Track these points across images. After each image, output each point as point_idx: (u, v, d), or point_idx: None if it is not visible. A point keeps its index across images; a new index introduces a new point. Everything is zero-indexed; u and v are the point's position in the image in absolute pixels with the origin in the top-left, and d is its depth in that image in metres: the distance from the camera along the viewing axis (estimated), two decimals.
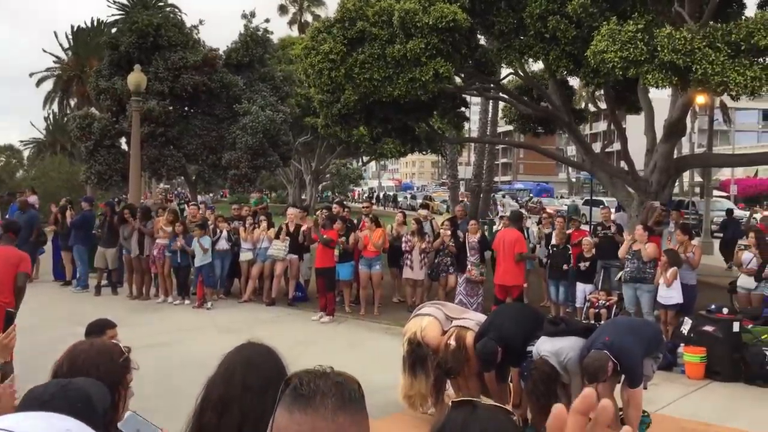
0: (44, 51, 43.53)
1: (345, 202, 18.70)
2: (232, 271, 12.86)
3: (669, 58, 8.77)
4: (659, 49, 8.92)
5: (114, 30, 29.77)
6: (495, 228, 14.77)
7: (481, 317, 6.27)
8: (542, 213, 16.65)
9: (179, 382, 5.82)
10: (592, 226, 12.98)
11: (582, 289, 10.50)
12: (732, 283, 10.49)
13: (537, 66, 15.33)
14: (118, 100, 22.19)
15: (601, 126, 57.00)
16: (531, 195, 55.15)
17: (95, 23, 41.42)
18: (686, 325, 8.47)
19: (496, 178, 40.67)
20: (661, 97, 17.32)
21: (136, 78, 16.54)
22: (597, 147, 19.67)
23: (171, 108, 22.86)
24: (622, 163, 14.71)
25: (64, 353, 2.15)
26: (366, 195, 55.07)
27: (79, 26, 42.55)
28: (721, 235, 18.19)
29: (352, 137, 15.02)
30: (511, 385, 6.00)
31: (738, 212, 28.70)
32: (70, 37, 42.55)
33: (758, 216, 20.09)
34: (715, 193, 31.79)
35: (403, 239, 11.67)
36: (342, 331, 10.39)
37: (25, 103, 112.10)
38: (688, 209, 25.14)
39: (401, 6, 11.22)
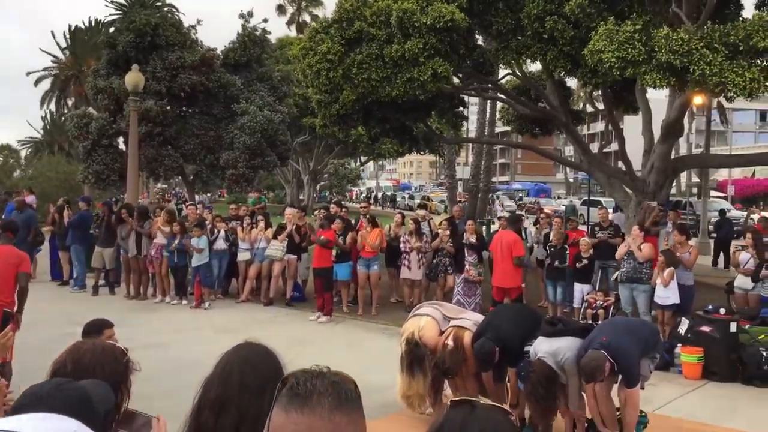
0: (42, 50, 43.53)
1: (343, 202, 18.69)
2: (229, 271, 12.85)
3: (666, 59, 8.78)
4: (656, 49, 8.93)
5: (112, 29, 29.77)
6: (493, 228, 14.80)
7: (479, 317, 6.27)
8: (540, 213, 16.67)
9: (177, 382, 5.81)
10: (589, 227, 12.99)
11: (580, 289, 10.51)
12: (729, 284, 10.51)
13: (535, 66, 15.35)
14: (116, 100, 22.18)
15: (599, 126, 57.06)
16: (527, 193, 55.25)
17: (93, 23, 41.42)
18: (683, 326, 8.48)
19: (494, 179, 40.65)
20: (658, 98, 17.34)
21: (133, 78, 16.53)
22: (595, 147, 19.66)
23: (168, 108, 22.86)
24: (620, 164, 14.73)
25: (64, 353, 2.15)
26: (364, 195, 55.13)
27: (76, 26, 42.59)
28: (715, 235, 18.44)
29: (350, 137, 15.03)
30: (508, 385, 6.00)
31: (735, 213, 28.84)
32: (68, 36, 42.53)
33: (756, 216, 20.13)
34: (713, 193, 31.86)
35: (401, 239, 11.67)
36: (340, 332, 10.38)
37: (23, 102, 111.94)
38: (685, 210, 25.18)
39: (399, 6, 11.22)
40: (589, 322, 9.13)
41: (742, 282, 9.85)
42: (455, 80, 14.50)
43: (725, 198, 34.94)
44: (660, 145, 12.82)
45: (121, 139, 22.93)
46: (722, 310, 8.46)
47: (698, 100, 18.91)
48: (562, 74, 13.41)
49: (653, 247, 9.76)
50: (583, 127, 45.75)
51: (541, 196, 51.40)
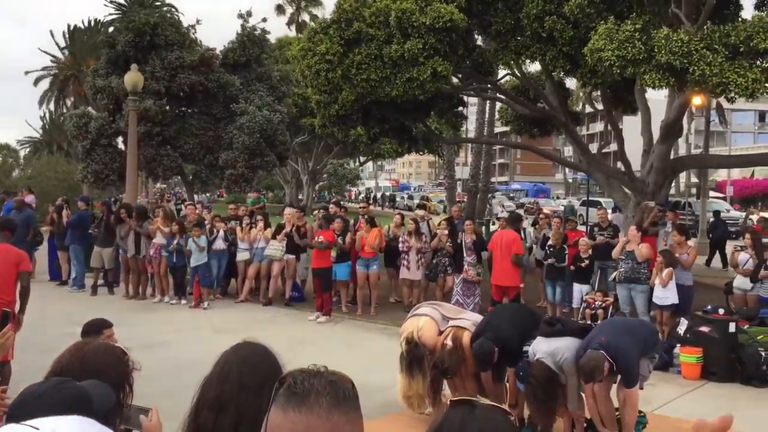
0: (41, 50, 43.52)
1: (342, 202, 18.69)
2: (228, 271, 12.84)
3: (666, 59, 8.78)
4: (656, 50, 8.94)
5: (111, 29, 29.76)
6: (492, 229, 14.80)
7: (478, 317, 6.27)
8: (539, 214, 16.67)
9: (176, 382, 5.80)
10: (588, 227, 13.00)
11: (579, 289, 10.52)
12: (728, 284, 10.52)
13: (534, 67, 15.36)
14: (115, 100, 22.17)
15: (598, 127, 57.13)
16: (526, 193, 55.27)
17: (92, 23, 41.41)
18: (682, 326, 8.49)
19: (493, 179, 40.66)
20: (657, 98, 17.35)
21: (132, 77, 16.52)
22: (594, 148, 19.70)
23: (168, 107, 22.84)
24: (619, 164, 14.74)
25: (65, 353, 2.15)
26: (363, 195, 55.13)
27: (75, 26, 42.58)
28: (710, 235, 18.67)
29: (350, 137, 15.03)
30: (507, 385, 6.00)
31: (734, 213, 28.87)
32: (67, 36, 42.52)
33: (755, 217, 20.16)
34: (712, 194, 31.87)
35: (400, 239, 11.67)
36: (339, 332, 10.38)
37: (22, 102, 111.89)
38: (684, 210, 25.20)
39: (398, 6, 11.22)
40: (588, 322, 9.14)
41: (741, 282, 9.86)
42: (454, 80, 14.51)
43: (724, 198, 34.97)
44: (659, 146, 12.82)
45: (120, 139, 22.92)
46: (721, 311, 8.47)
47: (697, 100, 18.91)
48: (561, 74, 13.42)
49: (651, 247, 9.77)
50: (582, 128, 45.78)
51: (540, 197, 51.41)
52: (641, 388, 5.59)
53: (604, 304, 10.16)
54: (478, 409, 1.25)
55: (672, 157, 14.65)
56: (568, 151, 55.81)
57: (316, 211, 14.27)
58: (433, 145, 17.81)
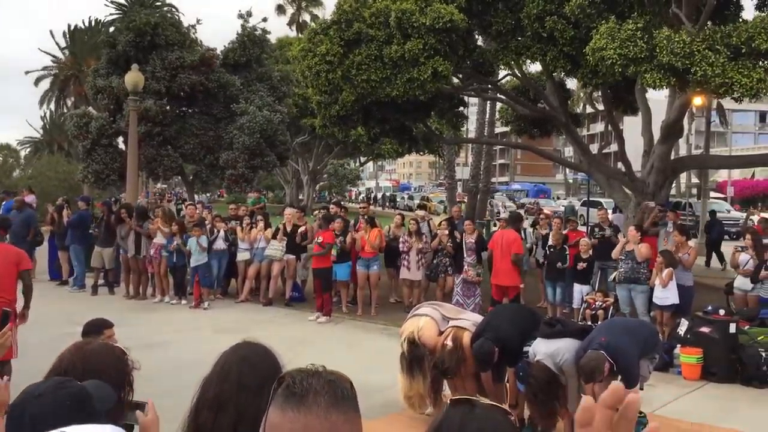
0: (41, 51, 43.54)
1: (342, 203, 18.69)
2: (229, 271, 12.84)
3: (667, 60, 8.78)
4: (658, 50, 8.94)
5: (111, 29, 29.77)
6: (493, 229, 14.80)
7: (478, 318, 6.28)
8: (539, 214, 16.67)
9: (176, 382, 5.80)
10: (589, 228, 12.99)
11: (579, 290, 10.51)
12: (729, 285, 10.52)
13: (534, 67, 15.36)
14: (116, 99, 22.18)
15: (599, 127, 57.08)
16: (527, 194, 55.23)
17: (92, 23, 41.42)
18: (683, 326, 8.49)
19: (493, 179, 40.63)
20: (658, 99, 17.35)
21: (133, 77, 16.53)
22: (594, 148, 19.68)
23: (168, 107, 22.85)
24: (619, 164, 14.73)
25: (65, 353, 2.15)
26: (363, 195, 55.13)
27: (76, 25, 42.58)
28: (706, 235, 18.82)
29: (350, 137, 15.03)
30: (507, 385, 6.00)
31: (735, 213, 28.87)
32: (67, 36, 42.54)
33: (755, 218, 20.18)
34: (712, 194, 31.85)
35: (401, 240, 11.67)
36: (339, 332, 10.38)
37: (23, 102, 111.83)
38: (684, 210, 25.20)
39: (398, 7, 11.23)
40: (589, 322, 9.14)
41: (741, 283, 9.85)
42: (455, 80, 14.51)
43: (725, 199, 34.95)
44: (659, 146, 12.82)
45: (120, 139, 22.92)
46: (721, 311, 8.47)
47: (698, 101, 18.91)
48: (562, 75, 13.42)
49: (651, 248, 9.77)
50: (583, 128, 45.74)
51: (540, 197, 51.36)
52: (641, 389, 5.59)
53: (604, 305, 10.15)
54: (478, 409, 1.25)
55: (672, 157, 14.65)
56: (569, 151, 55.80)
57: (316, 212, 14.25)
58: (434, 146, 17.83)
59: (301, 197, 37.75)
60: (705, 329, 8.10)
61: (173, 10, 34.37)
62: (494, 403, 1.30)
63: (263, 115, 22.77)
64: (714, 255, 17.86)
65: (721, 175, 42.22)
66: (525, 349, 5.59)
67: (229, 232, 12.62)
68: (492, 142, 26.47)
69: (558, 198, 54.44)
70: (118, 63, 22.83)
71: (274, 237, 12.14)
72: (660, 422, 6.11)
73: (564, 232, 11.46)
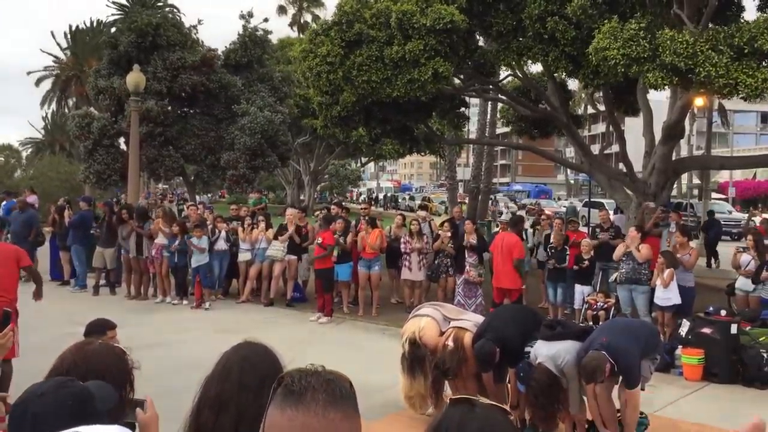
0: (42, 51, 43.59)
1: (343, 203, 18.69)
2: (230, 271, 12.85)
3: (670, 60, 8.78)
4: (660, 50, 8.93)
5: (113, 30, 29.82)
6: (494, 230, 14.80)
7: (479, 318, 6.27)
8: (540, 215, 16.66)
9: (177, 383, 5.80)
10: (590, 228, 12.99)
11: (580, 290, 10.50)
12: (730, 285, 10.51)
13: (536, 68, 15.36)
14: (117, 100, 22.20)
15: (600, 128, 57.04)
16: (528, 194, 55.22)
17: (94, 23, 41.50)
18: (684, 327, 8.48)
19: (494, 180, 40.63)
20: (659, 99, 17.38)
21: (134, 78, 16.54)
22: (595, 149, 19.69)
23: (169, 108, 22.88)
24: (621, 165, 14.73)
25: (67, 353, 2.15)
26: (364, 196, 55.13)
27: (77, 26, 42.66)
28: (704, 235, 18.91)
29: (351, 138, 15.04)
30: (509, 386, 6.00)
31: (736, 215, 28.85)
32: (69, 37, 42.61)
33: (757, 219, 20.18)
34: (714, 195, 31.85)
35: (402, 240, 11.67)
36: (340, 332, 10.38)
37: (24, 102, 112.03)
38: (686, 211, 25.20)
39: (398, 8, 11.23)
40: (590, 323, 9.14)
41: (742, 284, 9.84)
42: (456, 81, 14.51)
43: (726, 200, 34.93)
44: (661, 147, 12.82)
45: (122, 140, 22.93)
46: (723, 312, 8.46)
47: (699, 101, 18.90)
48: (563, 75, 13.41)
49: (651, 248, 9.76)
50: (584, 129, 45.73)
51: (541, 198, 51.35)
52: (643, 390, 5.58)
53: (605, 306, 10.14)
54: (478, 408, 1.25)
55: (674, 158, 14.64)
56: (570, 152, 55.76)
57: (317, 212, 14.26)
58: (435, 146, 17.86)
59: (302, 198, 37.75)
60: (706, 330, 8.10)
61: (175, 10, 34.43)
62: (494, 403, 1.31)
63: (264, 115, 22.78)
64: (709, 254, 18.02)
65: (723, 175, 42.18)
66: (526, 349, 5.59)
67: (230, 232, 12.63)
68: (493, 143, 26.47)
69: (559, 199, 54.41)
70: (119, 63, 22.86)
71: (275, 237, 12.15)
72: (661, 423, 6.10)
73: (564, 232, 11.46)
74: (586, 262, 10.51)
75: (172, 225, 12.28)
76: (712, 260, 18.00)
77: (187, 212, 14.13)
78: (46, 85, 45.38)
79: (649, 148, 13.32)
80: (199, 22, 25.27)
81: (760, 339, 8.05)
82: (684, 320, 8.64)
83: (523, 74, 14.44)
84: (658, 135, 13.12)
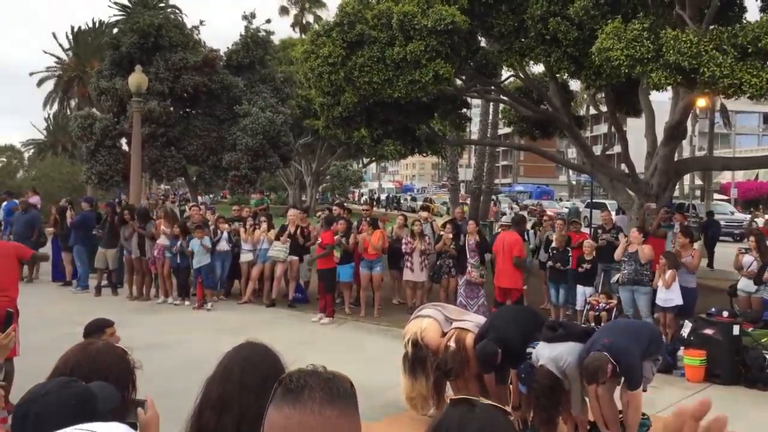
0: (45, 52, 43.68)
1: (345, 204, 18.70)
2: (232, 272, 12.86)
3: (674, 60, 8.77)
4: (664, 49, 8.92)
5: (115, 30, 29.86)
6: (496, 230, 14.79)
7: (481, 319, 6.27)
8: (542, 216, 16.65)
9: (179, 383, 5.81)
10: (592, 229, 12.99)
11: (582, 291, 10.49)
12: (732, 286, 10.49)
13: (537, 68, 15.35)
14: (119, 101, 22.23)
15: (602, 129, 57.05)
16: (530, 195, 55.19)
17: (96, 24, 41.57)
18: (686, 328, 8.47)
19: (496, 181, 40.65)
20: (661, 100, 17.36)
21: (137, 79, 16.56)
22: (597, 150, 19.69)
23: (171, 109, 22.90)
24: (623, 166, 14.72)
25: (70, 354, 2.15)
26: (365, 197, 55.13)
27: (79, 27, 42.73)
28: (703, 236, 18.89)
29: (353, 139, 15.05)
30: (510, 387, 5.99)
31: (738, 215, 28.81)
32: (71, 37, 42.68)
33: (759, 220, 20.18)
34: (716, 196, 31.79)
35: (403, 241, 11.67)
36: (342, 333, 10.38)
37: (26, 103, 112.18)
38: (688, 212, 25.17)
39: (400, 9, 11.24)
40: (592, 324, 9.13)
41: (745, 285, 9.82)
42: (458, 82, 14.52)
43: (728, 201, 34.88)
44: (663, 148, 12.81)
45: (124, 140, 22.96)
46: (725, 313, 8.44)
47: (701, 102, 18.89)
48: (565, 76, 13.41)
49: (652, 249, 9.74)
50: (586, 130, 45.65)
51: (543, 198, 51.31)
52: (645, 391, 5.58)
53: (607, 306, 10.13)
54: (478, 408, 1.25)
55: (676, 159, 14.63)
56: (572, 153, 55.75)
57: (319, 213, 14.28)
58: (437, 147, 17.83)
59: (304, 198, 37.77)
60: (708, 331, 8.09)
61: (177, 11, 34.46)
62: (494, 403, 1.31)
63: (266, 116, 22.80)
64: (709, 254, 17.99)
65: (725, 176, 42.10)
66: (528, 350, 5.59)
67: (232, 233, 12.64)
68: (495, 144, 26.48)
69: (561, 200, 54.36)
70: (121, 64, 22.89)
71: (277, 238, 12.16)
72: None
73: (566, 233, 11.44)
74: (588, 263, 10.50)
75: (174, 225, 12.29)
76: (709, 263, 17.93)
77: (189, 213, 14.14)
78: (49, 85, 45.49)
79: (651, 149, 13.31)
80: (201, 22, 25.36)
81: (763, 340, 8.04)
82: (686, 321, 8.63)
83: (524, 75, 14.44)
84: (660, 136, 13.12)
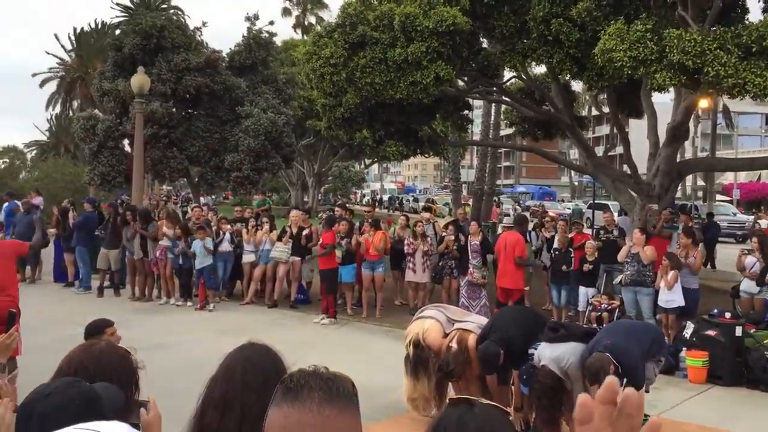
0: (47, 53, 43.79)
1: (347, 205, 18.70)
2: (234, 273, 12.87)
3: (678, 59, 8.75)
4: (668, 49, 8.91)
5: (118, 32, 29.92)
6: (498, 231, 14.78)
7: (483, 320, 6.27)
8: (544, 217, 16.64)
9: (181, 384, 5.82)
10: (594, 230, 12.97)
11: (584, 292, 10.49)
12: (735, 288, 10.48)
13: (539, 69, 15.34)
14: (122, 102, 22.29)
15: (604, 130, 56.95)
16: (532, 196, 55.15)
17: (98, 25, 41.66)
18: (689, 329, 8.47)
19: (498, 182, 40.61)
20: (663, 101, 17.33)
21: (139, 80, 16.58)
22: (600, 151, 19.65)
23: (174, 110, 22.95)
24: (625, 167, 14.71)
25: (73, 355, 2.16)
26: (367, 198, 55.10)
27: (82, 28, 42.82)
28: (706, 235, 18.86)
29: (355, 140, 15.07)
30: (512, 388, 5.99)
31: (741, 216, 28.76)
32: (73, 39, 42.77)
33: (762, 221, 20.13)
34: (718, 197, 31.76)
35: (406, 242, 11.68)
36: (343, 334, 10.39)
37: (29, 104, 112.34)
38: (690, 213, 25.14)
39: (401, 10, 11.25)
40: (594, 325, 9.12)
41: (747, 286, 9.81)
42: (460, 83, 14.51)
43: (731, 202, 34.83)
44: (665, 149, 12.80)
45: (126, 141, 23.03)
46: (728, 314, 8.43)
47: (704, 103, 18.86)
48: (568, 77, 13.40)
49: (655, 250, 9.73)
50: (588, 131, 45.62)
51: (545, 199, 51.24)
52: (647, 392, 5.57)
53: (609, 307, 10.12)
54: (477, 408, 1.26)
55: (678, 160, 14.61)
56: (574, 154, 55.68)
57: (321, 214, 14.29)
58: (439, 148, 17.88)
59: (306, 199, 37.77)
60: (711, 332, 8.08)
61: (179, 12, 34.52)
62: (493, 403, 1.31)
63: (268, 117, 22.83)
64: (709, 255, 17.92)
65: (727, 177, 42.05)
66: (530, 351, 5.58)
67: (234, 234, 12.65)
68: (497, 145, 26.48)
69: (563, 201, 54.31)
70: (124, 66, 22.94)
71: (279, 239, 12.16)
72: (665, 425, 6.09)
73: (569, 235, 11.43)
74: (591, 264, 10.49)
75: (175, 226, 12.30)
76: (710, 264, 17.86)
77: (191, 213, 14.16)
78: (51, 87, 45.60)
79: (653, 150, 13.29)
80: (204, 24, 25.43)
81: (765, 341, 8.02)
82: (688, 322, 8.62)
83: (527, 76, 14.43)
84: (662, 137, 13.10)
